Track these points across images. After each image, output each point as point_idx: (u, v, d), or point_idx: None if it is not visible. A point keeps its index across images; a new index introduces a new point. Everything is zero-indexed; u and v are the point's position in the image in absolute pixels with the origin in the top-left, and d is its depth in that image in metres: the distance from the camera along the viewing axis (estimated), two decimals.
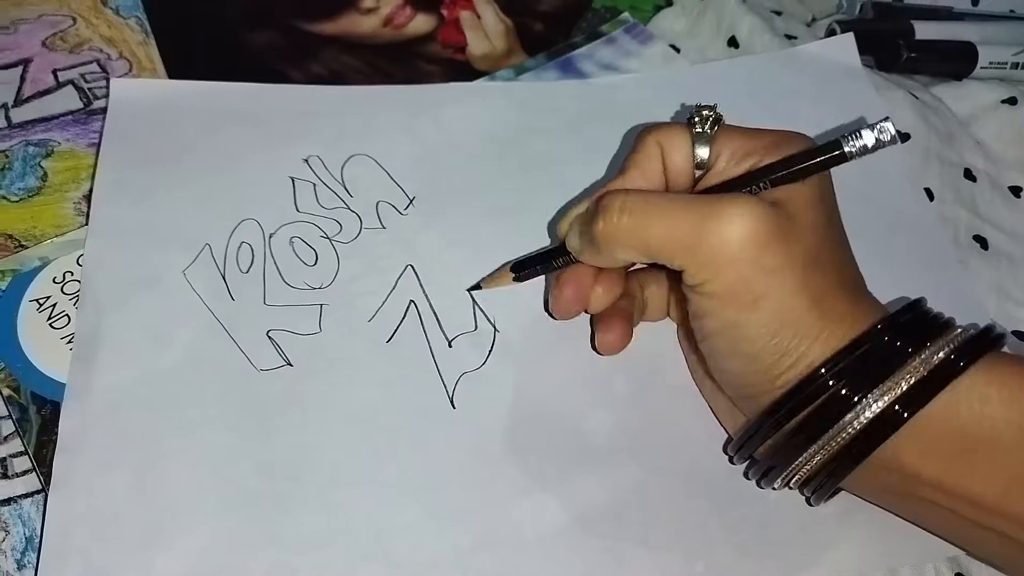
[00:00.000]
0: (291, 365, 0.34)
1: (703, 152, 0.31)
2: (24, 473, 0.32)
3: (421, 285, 0.37)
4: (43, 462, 0.32)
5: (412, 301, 0.36)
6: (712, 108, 0.31)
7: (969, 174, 0.43)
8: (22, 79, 0.43)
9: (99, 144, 0.40)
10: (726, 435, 0.33)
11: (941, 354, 0.26)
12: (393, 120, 0.42)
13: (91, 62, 0.44)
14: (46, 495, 0.31)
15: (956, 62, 0.47)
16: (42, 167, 0.40)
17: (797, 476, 0.29)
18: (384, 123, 0.42)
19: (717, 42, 0.48)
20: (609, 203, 0.29)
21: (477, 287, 0.36)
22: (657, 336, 0.36)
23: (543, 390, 0.34)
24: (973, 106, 0.45)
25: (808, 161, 0.28)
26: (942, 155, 0.43)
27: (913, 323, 0.28)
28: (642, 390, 0.34)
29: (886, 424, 0.26)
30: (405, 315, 0.36)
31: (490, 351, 0.35)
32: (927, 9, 0.50)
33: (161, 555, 0.30)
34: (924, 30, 0.47)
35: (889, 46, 0.47)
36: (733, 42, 0.47)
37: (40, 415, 0.33)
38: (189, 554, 0.30)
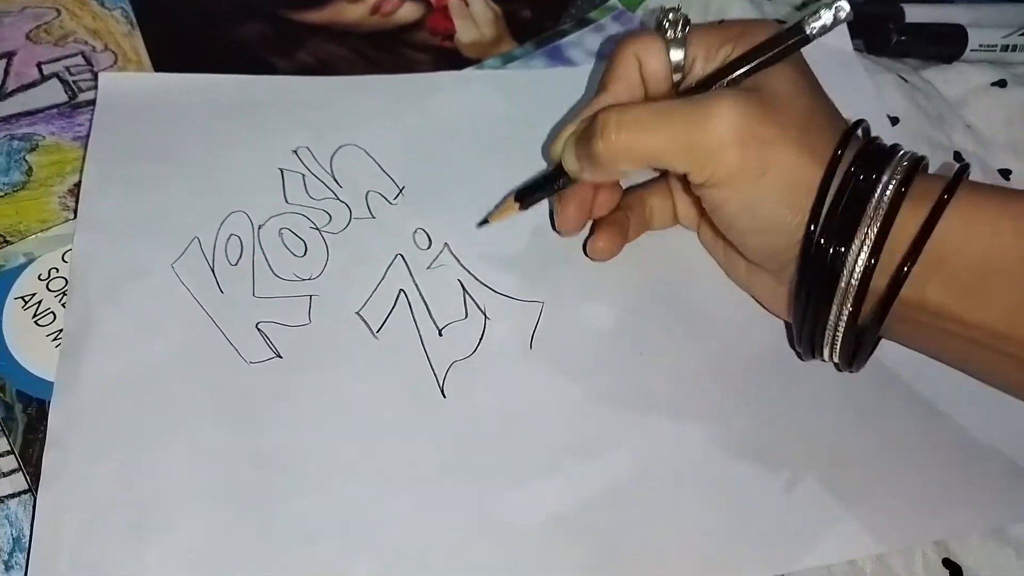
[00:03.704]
0: (281, 357, 0.34)
1: (678, 55, 0.32)
2: (10, 473, 0.31)
3: (411, 274, 0.36)
4: (29, 461, 0.31)
5: (402, 290, 0.36)
6: (677, 10, 0.31)
7: (959, 157, 0.43)
8: (6, 72, 0.43)
9: (86, 138, 0.39)
10: (720, 422, 0.33)
11: (893, 184, 0.28)
12: (382, 110, 0.41)
13: (76, 54, 0.44)
14: (34, 495, 0.30)
15: (946, 45, 0.46)
16: (27, 161, 0.39)
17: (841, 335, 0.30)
18: (373, 113, 0.41)
19: None
20: (605, 121, 0.30)
21: (485, 222, 0.37)
22: (644, 325, 0.36)
23: (535, 377, 0.34)
24: (963, 89, 0.45)
25: (775, 48, 0.30)
26: (932, 138, 0.43)
27: (867, 155, 0.29)
28: (636, 379, 0.34)
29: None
30: (395, 305, 0.35)
31: (480, 339, 0.35)
32: None
33: (153, 548, 0.30)
34: (914, 13, 0.47)
35: (879, 29, 0.47)
36: None
37: (26, 413, 0.33)
38: (181, 546, 0.30)
